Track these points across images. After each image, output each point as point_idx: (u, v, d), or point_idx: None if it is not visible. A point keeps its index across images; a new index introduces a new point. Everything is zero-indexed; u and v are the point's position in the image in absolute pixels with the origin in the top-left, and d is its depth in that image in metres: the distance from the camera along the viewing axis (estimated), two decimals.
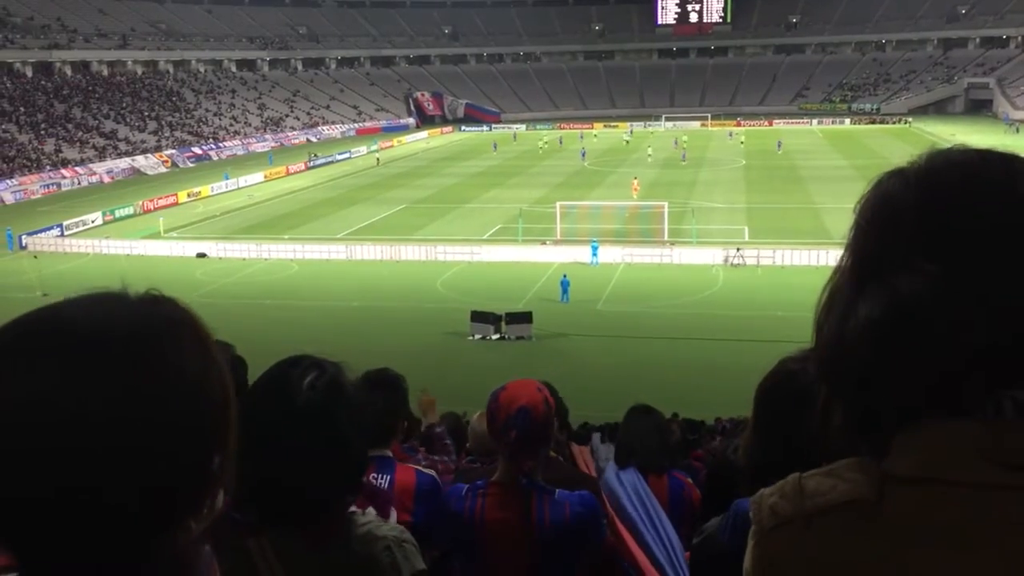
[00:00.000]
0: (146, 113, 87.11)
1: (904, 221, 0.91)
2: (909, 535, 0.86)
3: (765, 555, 0.95)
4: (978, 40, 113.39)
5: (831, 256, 34.64)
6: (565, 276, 32.06)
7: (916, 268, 0.88)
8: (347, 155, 78.91)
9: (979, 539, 0.83)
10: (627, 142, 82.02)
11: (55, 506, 0.84)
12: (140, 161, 74.76)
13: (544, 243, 39.92)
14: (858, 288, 0.92)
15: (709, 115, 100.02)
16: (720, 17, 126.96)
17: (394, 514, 3.68)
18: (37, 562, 0.88)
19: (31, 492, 0.84)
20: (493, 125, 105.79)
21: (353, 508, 1.96)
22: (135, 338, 0.90)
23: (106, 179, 68.99)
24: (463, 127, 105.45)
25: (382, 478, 3.40)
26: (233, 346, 3.49)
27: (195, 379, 0.93)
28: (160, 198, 55.35)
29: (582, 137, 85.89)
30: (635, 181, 51.15)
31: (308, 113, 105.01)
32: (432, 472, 3.72)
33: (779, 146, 72.45)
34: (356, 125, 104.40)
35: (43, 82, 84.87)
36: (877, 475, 0.90)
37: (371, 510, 1.97)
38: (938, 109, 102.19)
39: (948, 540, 0.84)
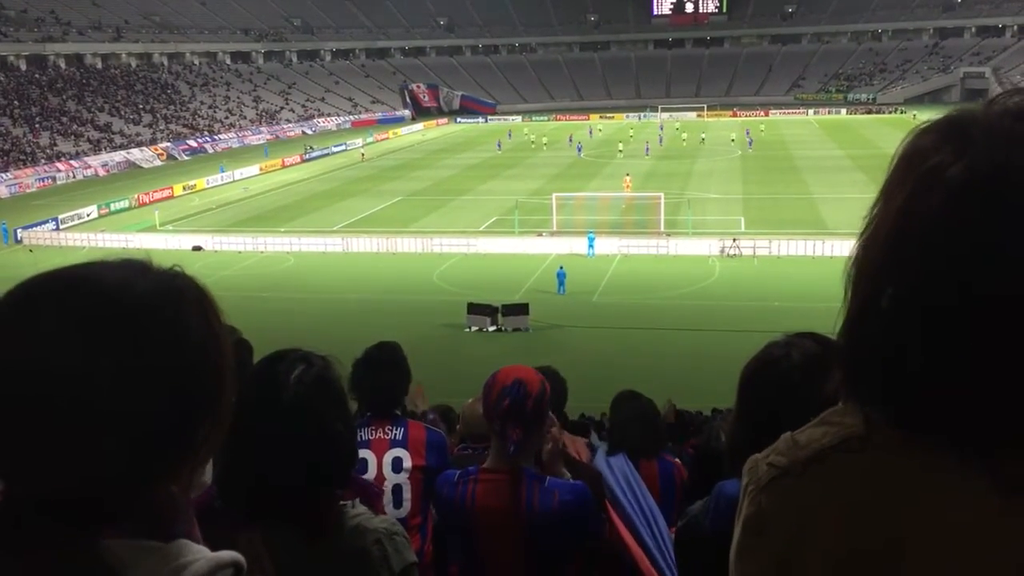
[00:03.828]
0: (141, 106, 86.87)
1: None
2: (896, 471, 0.89)
3: (761, 510, 0.96)
4: (974, 29, 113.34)
5: (827, 246, 34.67)
6: (561, 268, 32.03)
7: None
8: (343, 147, 78.70)
9: (946, 481, 0.87)
10: (696, 139, 73.46)
11: (50, 443, 0.91)
12: (135, 154, 74.59)
13: (540, 235, 39.86)
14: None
15: (705, 106, 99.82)
16: (716, 7, 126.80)
17: (405, 496, 3.78)
18: (21, 498, 0.95)
19: (31, 430, 0.92)
20: (489, 117, 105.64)
21: (343, 501, 1.95)
22: (143, 302, 0.97)
23: (101, 172, 68.83)
24: (459, 119, 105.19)
25: (397, 430, 3.89)
26: (238, 330, 3.53)
27: (192, 351, 0.99)
28: (155, 191, 55.25)
29: (591, 134, 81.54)
30: (627, 178, 50.11)
31: (303, 105, 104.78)
32: (440, 431, 4.11)
33: (750, 144, 68.94)
34: (351, 117, 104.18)
35: (37, 75, 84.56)
36: (863, 415, 0.93)
37: (360, 503, 1.95)
38: (934, 99, 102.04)
39: (925, 480, 0.88)
